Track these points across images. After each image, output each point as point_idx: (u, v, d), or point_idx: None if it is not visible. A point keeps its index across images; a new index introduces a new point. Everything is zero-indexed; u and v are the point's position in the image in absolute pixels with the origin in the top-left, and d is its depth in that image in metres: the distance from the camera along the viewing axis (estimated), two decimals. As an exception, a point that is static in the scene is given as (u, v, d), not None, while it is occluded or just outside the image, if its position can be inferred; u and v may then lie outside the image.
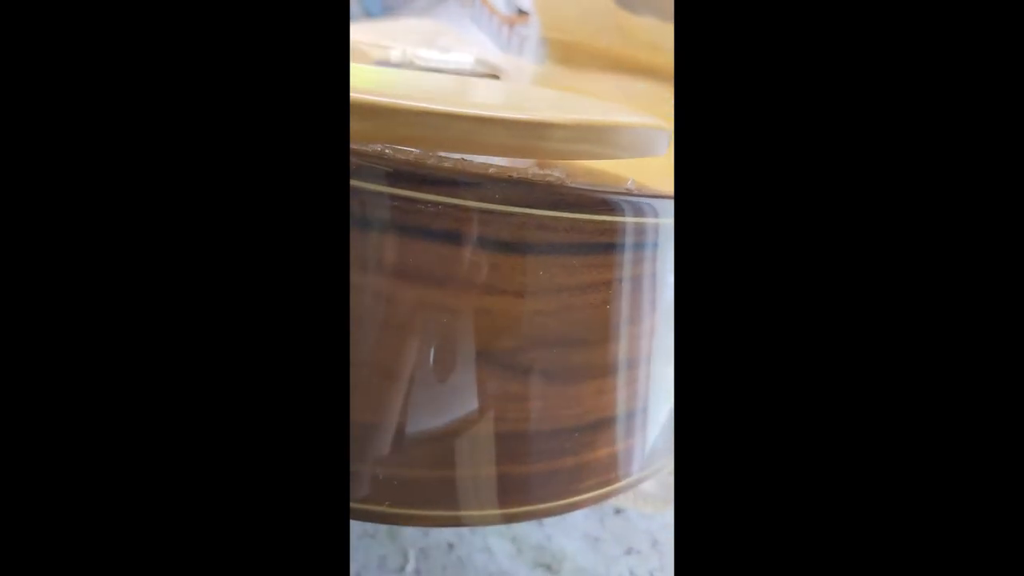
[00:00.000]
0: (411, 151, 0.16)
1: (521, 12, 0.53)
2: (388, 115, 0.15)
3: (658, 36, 0.48)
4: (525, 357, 0.19)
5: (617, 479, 0.23)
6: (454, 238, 0.17)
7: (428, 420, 0.19)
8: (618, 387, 0.21)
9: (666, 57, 0.48)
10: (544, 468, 0.21)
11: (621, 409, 0.22)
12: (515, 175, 0.17)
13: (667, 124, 0.17)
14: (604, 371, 0.20)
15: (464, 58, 0.40)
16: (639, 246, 0.20)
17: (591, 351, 0.20)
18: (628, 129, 0.16)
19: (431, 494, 0.20)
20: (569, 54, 0.51)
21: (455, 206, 0.17)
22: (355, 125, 0.15)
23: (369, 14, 0.56)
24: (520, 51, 0.56)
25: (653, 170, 0.20)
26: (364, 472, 0.20)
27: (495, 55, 0.51)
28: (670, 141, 0.17)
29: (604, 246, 0.19)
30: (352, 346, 0.18)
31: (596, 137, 0.16)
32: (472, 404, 0.19)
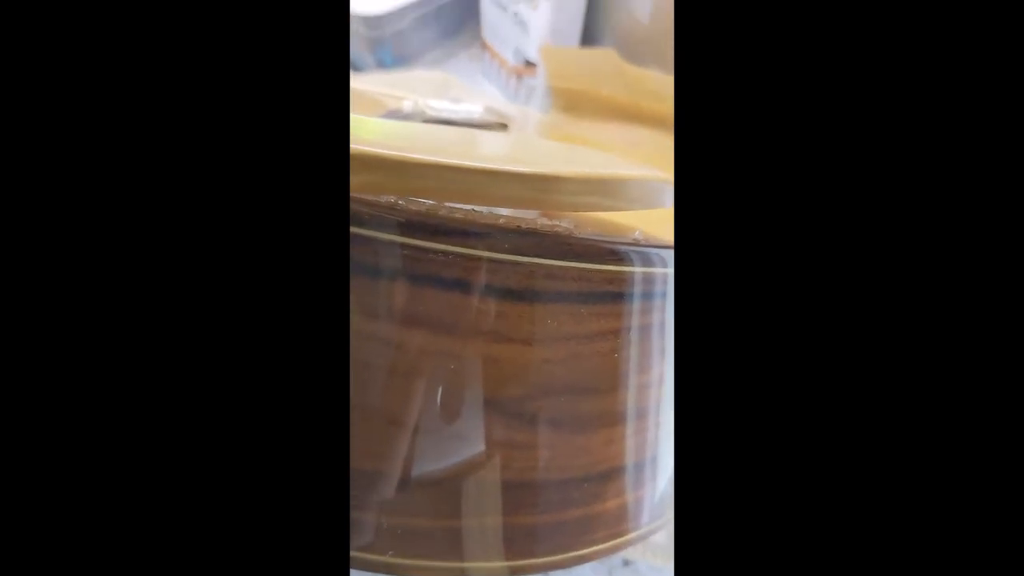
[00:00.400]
0: (423, 202, 0.17)
1: (528, 63, 0.55)
2: (400, 168, 0.16)
3: (660, 86, 0.50)
4: (533, 405, 0.19)
5: (627, 531, 0.22)
6: (464, 286, 0.17)
7: (434, 468, 0.19)
8: (627, 437, 0.21)
9: (668, 106, 0.49)
10: (552, 519, 0.21)
11: (630, 459, 0.21)
12: (524, 225, 0.17)
13: (669, 175, 0.18)
14: (613, 420, 0.20)
15: (474, 108, 0.41)
16: (647, 295, 0.20)
17: (600, 400, 0.20)
18: (634, 182, 0.17)
19: (436, 544, 0.20)
20: (574, 103, 0.53)
21: (465, 255, 0.17)
22: (368, 177, 0.15)
23: (383, 65, 0.58)
24: (527, 100, 0.58)
25: (659, 220, 0.21)
26: (367, 520, 0.19)
27: (503, 105, 0.53)
28: (671, 190, 0.18)
29: (612, 295, 0.19)
30: (360, 393, 0.18)
31: (602, 189, 0.16)
32: (479, 452, 0.19)
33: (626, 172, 0.17)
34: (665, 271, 0.20)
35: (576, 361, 0.19)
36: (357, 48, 0.57)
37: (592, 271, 0.18)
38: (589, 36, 0.56)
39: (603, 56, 0.51)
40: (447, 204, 0.17)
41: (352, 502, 0.19)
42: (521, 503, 0.20)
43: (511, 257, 0.17)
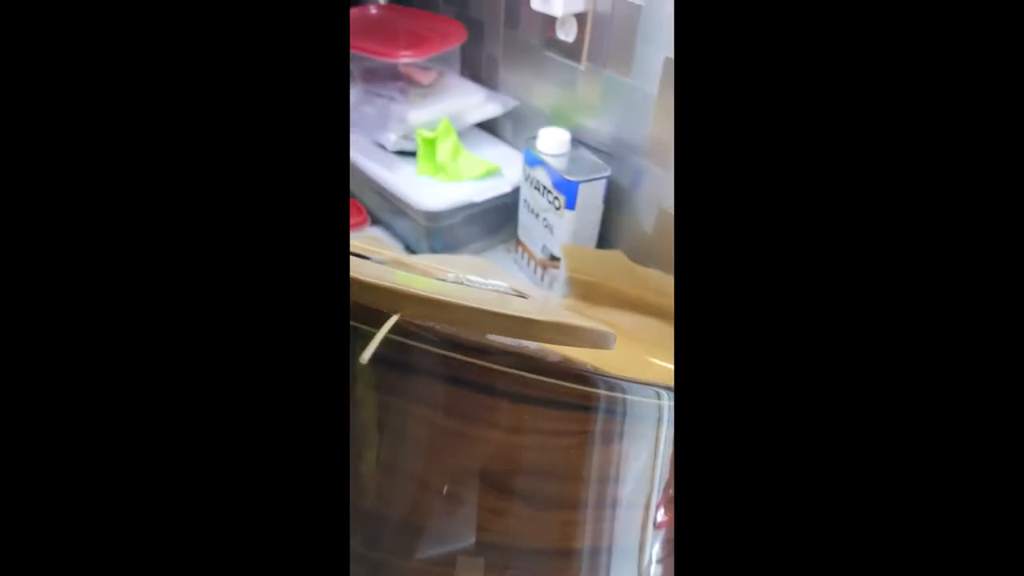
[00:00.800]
0: (450, 328, 0.26)
1: (553, 258, 0.67)
2: (438, 305, 0.25)
3: (662, 283, 0.60)
4: (511, 480, 0.25)
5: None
6: (474, 386, 0.25)
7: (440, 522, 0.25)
8: (582, 523, 0.27)
9: (668, 301, 0.59)
10: None
11: (586, 543, 0.27)
12: (516, 349, 0.26)
13: (613, 330, 0.26)
14: (571, 504, 0.26)
15: (502, 284, 0.51)
16: (609, 411, 0.27)
17: (559, 484, 0.26)
18: (586, 329, 0.25)
19: None
20: (589, 292, 0.63)
21: (479, 366, 0.25)
22: (417, 310, 0.25)
23: (434, 251, 0.70)
24: (550, 287, 0.69)
25: (627, 361, 0.29)
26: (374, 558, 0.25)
27: (529, 287, 0.63)
28: (615, 339, 0.26)
29: (572, 405, 0.26)
30: (389, 454, 0.25)
31: (561, 330, 0.25)
32: (470, 515, 0.25)
33: (581, 323, 0.26)
34: (625, 396, 0.28)
35: (542, 450, 0.26)
36: (415, 235, 0.70)
37: (556, 386, 0.26)
38: (604, 240, 0.68)
39: (614, 256, 0.62)
40: (466, 330, 0.26)
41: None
42: (495, 564, 0.25)
43: (504, 368, 0.25)
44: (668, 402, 0.29)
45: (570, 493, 0.26)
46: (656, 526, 0.30)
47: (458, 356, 0.25)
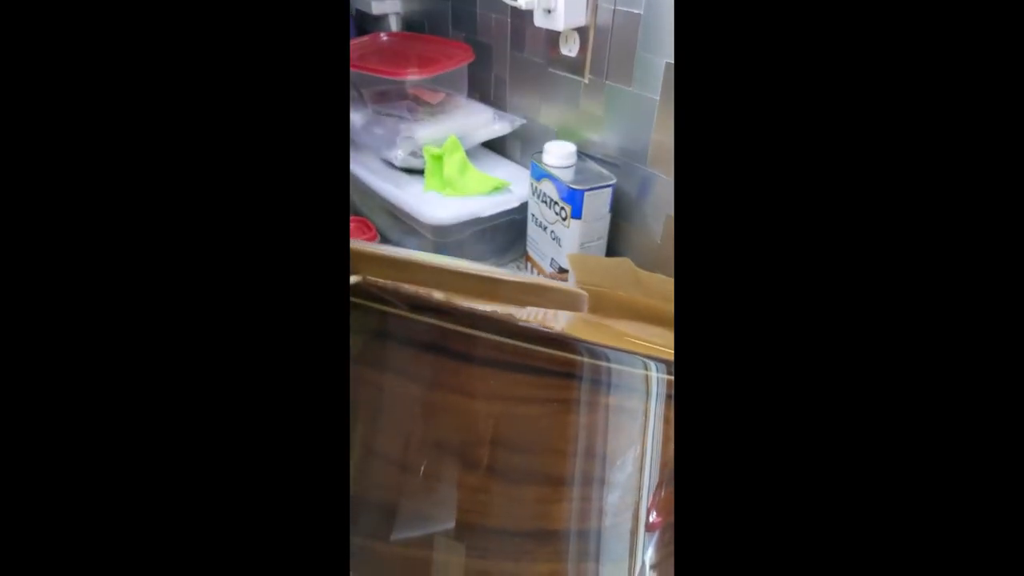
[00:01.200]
0: (417, 290, 0.25)
1: (562, 270, 0.66)
2: (400, 264, 0.24)
3: (669, 290, 0.58)
4: (477, 452, 0.24)
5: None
6: (447, 352, 0.24)
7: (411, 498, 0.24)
8: (563, 501, 0.25)
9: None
10: (497, 567, 0.24)
11: (569, 525, 0.25)
12: (490, 313, 0.25)
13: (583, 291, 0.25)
14: (547, 481, 0.25)
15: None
16: (595, 381, 0.26)
17: (532, 459, 0.25)
18: (555, 289, 0.24)
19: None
20: (597, 301, 0.62)
21: (451, 330, 0.24)
22: (378, 270, 0.24)
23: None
24: (560, 301, 0.68)
25: (610, 333, 0.27)
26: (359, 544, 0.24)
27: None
28: (588, 301, 0.25)
29: (548, 371, 0.25)
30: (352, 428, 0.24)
31: (531, 291, 0.24)
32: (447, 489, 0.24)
33: (548, 283, 0.25)
34: (609, 365, 0.26)
35: (522, 420, 0.25)
36: (424, 250, 0.71)
37: (534, 351, 0.25)
38: (612, 252, 0.67)
39: (621, 264, 0.61)
40: (434, 291, 0.25)
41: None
42: (475, 545, 0.24)
43: (468, 330, 0.24)
44: (656, 374, 0.28)
45: (552, 468, 0.25)
46: (648, 528, 0.28)
47: (429, 320, 0.24)
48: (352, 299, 0.24)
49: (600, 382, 0.26)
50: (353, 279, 0.24)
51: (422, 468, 0.24)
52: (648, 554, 0.28)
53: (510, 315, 0.25)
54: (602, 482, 0.26)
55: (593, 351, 0.26)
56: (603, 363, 0.26)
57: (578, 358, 0.25)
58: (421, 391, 0.24)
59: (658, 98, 0.58)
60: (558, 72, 0.69)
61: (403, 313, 0.24)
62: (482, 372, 0.24)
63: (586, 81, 0.65)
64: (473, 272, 0.24)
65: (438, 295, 0.24)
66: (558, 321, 0.25)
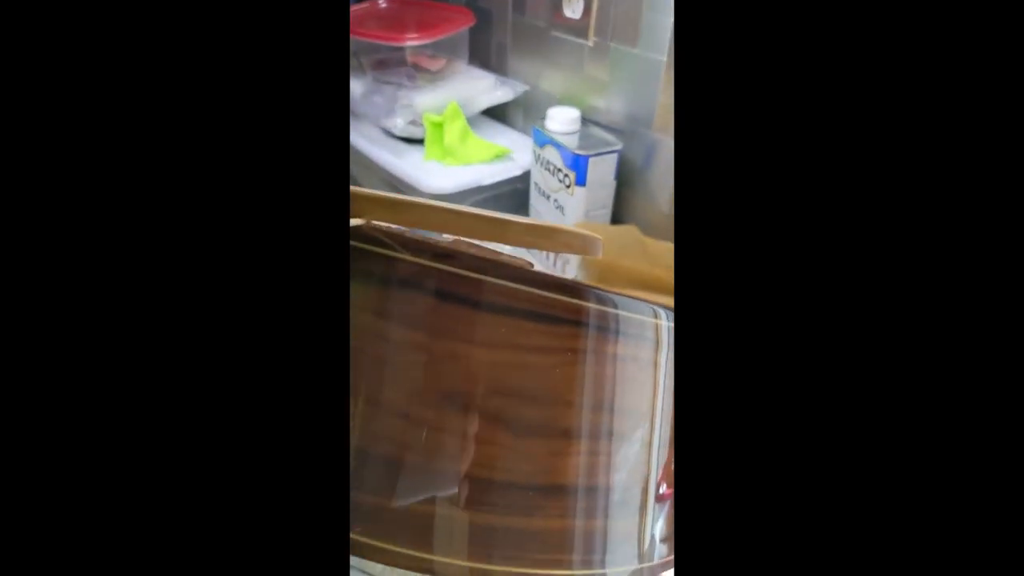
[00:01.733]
0: (420, 233, 0.24)
1: (566, 240, 0.65)
2: (403, 207, 0.23)
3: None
4: (487, 402, 0.23)
5: (568, 562, 0.24)
6: (441, 295, 0.23)
7: (415, 455, 0.23)
8: (572, 455, 0.24)
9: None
10: (504, 522, 0.23)
11: (578, 481, 0.24)
12: (493, 256, 0.23)
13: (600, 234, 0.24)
14: (557, 433, 0.24)
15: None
16: (601, 328, 0.25)
17: (543, 410, 0.24)
18: (567, 231, 0.23)
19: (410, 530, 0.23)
20: (602, 272, 0.61)
21: (456, 274, 0.23)
22: (381, 213, 0.23)
23: (442, 235, 0.69)
24: (563, 271, 0.67)
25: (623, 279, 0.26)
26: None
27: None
28: (602, 246, 0.24)
29: (557, 319, 0.24)
30: (357, 378, 0.23)
31: (541, 234, 0.23)
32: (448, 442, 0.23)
33: (559, 225, 0.23)
34: (618, 312, 0.25)
35: (528, 369, 0.23)
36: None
37: (540, 296, 0.24)
38: (617, 221, 0.66)
39: (627, 231, 0.59)
40: (437, 234, 0.24)
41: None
42: (479, 499, 0.23)
43: (476, 275, 0.23)
44: (667, 323, 0.27)
45: (561, 419, 0.24)
46: (658, 499, 0.27)
47: (435, 265, 0.23)
48: (354, 243, 0.22)
49: (608, 329, 0.25)
50: (354, 222, 0.22)
51: (428, 420, 0.23)
52: (659, 526, 0.27)
53: (520, 259, 0.24)
54: (611, 435, 0.25)
55: (602, 297, 0.25)
56: (611, 309, 0.25)
57: (587, 304, 0.24)
58: (427, 339, 0.23)
59: (664, 59, 0.56)
60: (561, 35, 0.67)
61: (408, 258, 0.23)
62: (491, 319, 0.23)
63: (590, 44, 0.64)
64: (481, 214, 0.22)
65: (445, 239, 0.23)
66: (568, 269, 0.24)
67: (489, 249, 0.25)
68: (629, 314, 0.25)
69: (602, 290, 0.24)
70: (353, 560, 0.23)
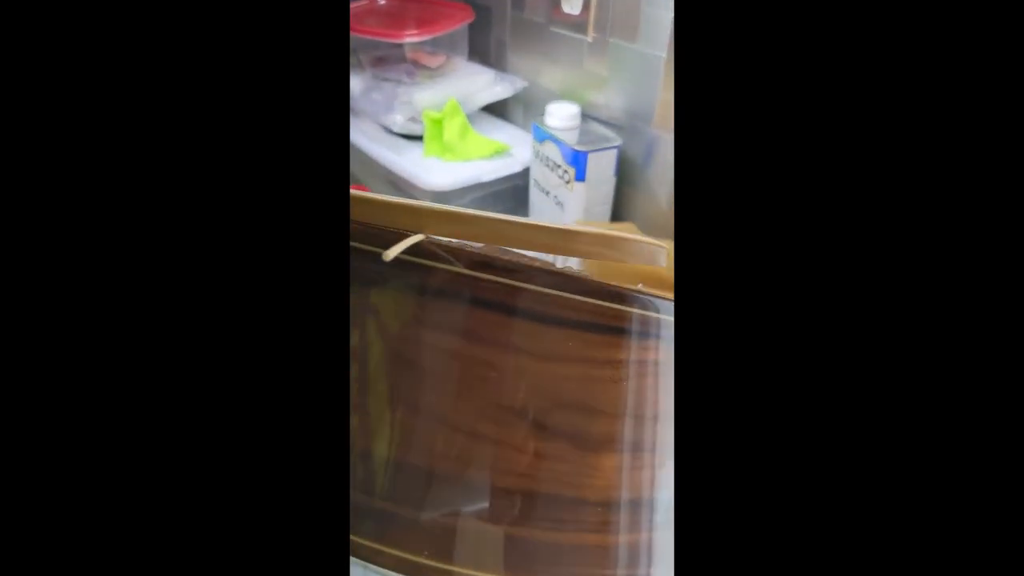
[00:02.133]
0: (476, 246, 0.24)
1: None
2: (463, 220, 0.23)
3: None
4: (548, 416, 0.23)
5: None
6: (503, 309, 0.24)
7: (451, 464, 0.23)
8: (623, 469, 0.25)
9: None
10: (545, 538, 0.24)
11: (625, 494, 0.25)
12: (541, 265, 0.24)
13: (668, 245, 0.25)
14: (614, 447, 0.24)
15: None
16: (643, 335, 0.25)
17: (604, 423, 0.24)
18: (634, 241, 0.24)
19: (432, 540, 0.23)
20: (601, 268, 0.62)
21: (505, 285, 0.24)
22: (441, 227, 0.23)
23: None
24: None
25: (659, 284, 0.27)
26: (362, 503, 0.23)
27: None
28: (669, 256, 0.25)
29: (615, 329, 0.25)
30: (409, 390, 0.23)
31: (609, 244, 0.23)
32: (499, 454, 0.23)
33: (627, 235, 0.24)
34: (659, 317, 0.26)
35: (587, 382, 0.24)
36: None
37: (599, 307, 0.24)
38: (617, 218, 0.67)
39: (625, 228, 0.60)
40: (501, 248, 0.24)
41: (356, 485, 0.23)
42: (523, 514, 0.23)
43: (539, 288, 0.24)
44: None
45: (603, 430, 0.24)
46: None
47: (491, 277, 0.23)
48: (405, 257, 0.23)
49: (648, 335, 0.26)
50: (414, 238, 0.23)
51: (468, 430, 0.23)
52: None
53: (572, 269, 0.24)
54: (653, 448, 0.26)
55: (646, 303, 0.25)
56: (653, 314, 0.26)
57: (630, 310, 0.25)
58: (486, 352, 0.23)
59: (664, 55, 0.57)
60: (560, 31, 0.67)
61: (461, 270, 0.23)
62: (535, 329, 0.24)
63: (590, 39, 0.64)
64: (547, 226, 0.23)
65: (503, 254, 0.24)
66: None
67: (522, 255, 0.25)
68: (667, 317, 0.26)
69: (645, 294, 0.25)
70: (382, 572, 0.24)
